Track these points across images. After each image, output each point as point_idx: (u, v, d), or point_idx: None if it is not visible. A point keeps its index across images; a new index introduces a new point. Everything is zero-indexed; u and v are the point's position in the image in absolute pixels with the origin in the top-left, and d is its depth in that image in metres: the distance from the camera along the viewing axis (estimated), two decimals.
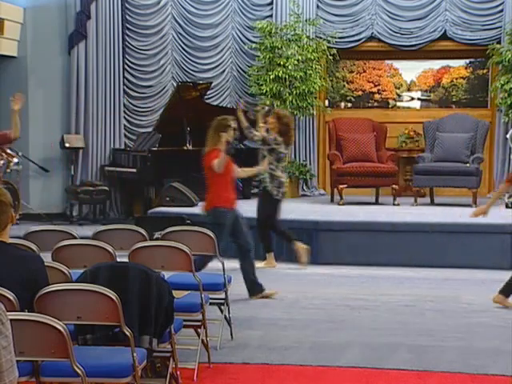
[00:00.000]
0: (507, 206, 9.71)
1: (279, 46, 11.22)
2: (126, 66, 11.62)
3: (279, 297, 7.00)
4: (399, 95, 12.22)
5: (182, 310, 4.58)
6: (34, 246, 4.63)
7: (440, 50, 11.70)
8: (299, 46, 11.25)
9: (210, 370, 4.95)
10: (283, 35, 11.34)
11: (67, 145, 11.08)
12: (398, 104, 12.21)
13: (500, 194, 7.13)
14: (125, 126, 11.65)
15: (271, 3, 11.61)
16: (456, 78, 12.02)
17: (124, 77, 11.58)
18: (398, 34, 11.60)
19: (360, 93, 12.17)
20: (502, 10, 11.24)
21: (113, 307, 3.53)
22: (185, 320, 4.69)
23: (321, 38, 11.47)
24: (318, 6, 11.63)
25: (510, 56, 10.67)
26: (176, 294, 4.41)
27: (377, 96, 12.17)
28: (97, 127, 11.37)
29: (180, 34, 11.72)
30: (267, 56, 11.21)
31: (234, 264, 7.54)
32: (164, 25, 11.70)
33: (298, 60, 11.14)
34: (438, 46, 11.65)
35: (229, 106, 11.65)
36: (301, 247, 8.15)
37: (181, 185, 10.13)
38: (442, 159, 10.38)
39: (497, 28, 11.29)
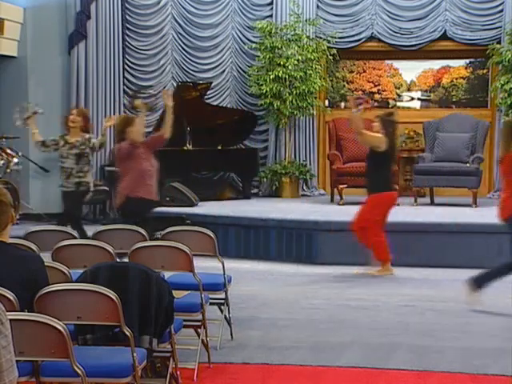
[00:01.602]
0: None
1: (279, 46, 11.23)
2: (126, 66, 11.63)
3: (279, 297, 7.00)
4: (399, 95, 12.22)
5: (182, 309, 4.58)
6: (34, 246, 4.63)
7: (440, 49, 11.70)
8: (299, 46, 11.25)
9: (210, 369, 4.95)
10: (283, 35, 11.34)
11: None
12: (398, 104, 12.21)
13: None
14: None
15: (271, 3, 11.61)
16: (456, 78, 12.03)
17: (124, 77, 11.59)
18: (398, 34, 11.60)
19: (360, 93, 12.16)
20: (502, 10, 11.24)
21: (113, 307, 3.53)
22: (185, 320, 4.69)
23: (321, 37, 11.47)
24: (318, 6, 11.63)
25: (510, 56, 10.67)
26: (176, 294, 4.41)
27: (377, 96, 12.17)
28: (97, 127, 11.37)
29: (180, 34, 11.72)
30: (267, 56, 11.22)
31: (233, 264, 7.56)
32: (164, 25, 11.70)
33: (298, 60, 11.14)
34: (438, 45, 11.65)
35: (229, 105, 11.67)
36: None
37: (181, 185, 10.13)
38: (442, 159, 10.38)
39: (497, 28, 11.28)
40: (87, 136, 8.05)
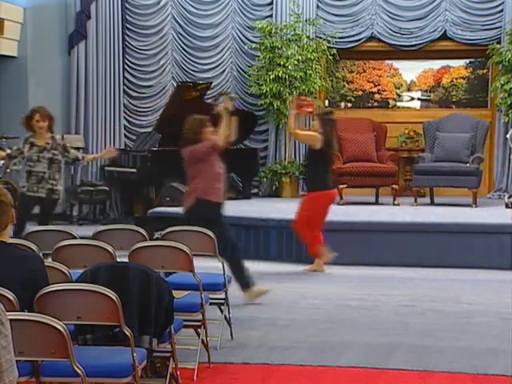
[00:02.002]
0: (507, 206, 9.72)
1: (279, 46, 11.23)
2: (126, 66, 11.63)
3: (279, 297, 7.00)
4: (399, 95, 12.22)
5: (182, 310, 4.58)
6: (34, 246, 4.63)
7: (440, 50, 11.70)
8: (299, 46, 11.25)
9: (210, 369, 4.95)
10: (283, 35, 11.34)
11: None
12: (398, 104, 12.21)
13: None
14: (125, 126, 11.66)
15: (271, 3, 11.62)
16: (456, 78, 12.03)
17: (124, 77, 11.59)
18: (398, 34, 11.60)
19: (360, 93, 12.17)
20: (502, 10, 11.24)
21: (113, 307, 3.53)
22: (185, 320, 4.68)
23: (321, 37, 11.47)
24: (318, 6, 11.63)
25: (510, 56, 10.67)
26: (176, 294, 4.41)
27: (377, 96, 12.17)
28: (97, 127, 11.38)
29: (180, 34, 11.73)
30: (267, 56, 11.22)
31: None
32: (164, 25, 11.70)
33: (298, 60, 11.15)
34: (438, 45, 11.65)
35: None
36: None
37: (181, 185, 10.12)
38: (442, 159, 10.38)
39: (497, 28, 11.28)
40: (58, 137, 7.87)
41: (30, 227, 5.81)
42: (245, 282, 6.62)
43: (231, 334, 5.60)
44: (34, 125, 7.64)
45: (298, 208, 8.14)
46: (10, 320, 2.14)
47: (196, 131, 6.67)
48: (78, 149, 11.19)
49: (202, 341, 4.97)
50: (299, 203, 8.21)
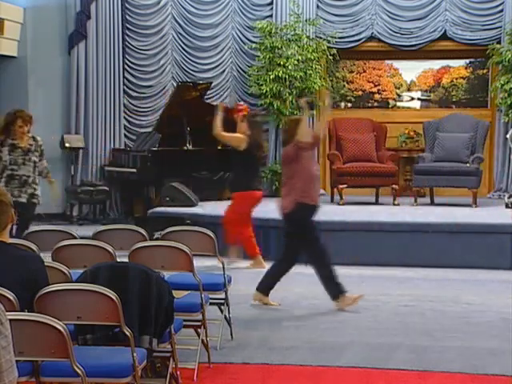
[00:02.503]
0: (507, 206, 9.72)
1: (279, 46, 11.23)
2: (125, 66, 11.63)
3: (279, 297, 6.99)
4: (399, 95, 12.22)
5: (182, 309, 4.58)
6: (34, 246, 4.63)
7: (440, 50, 11.70)
8: (299, 46, 11.25)
9: (210, 369, 4.95)
10: (283, 35, 11.34)
11: (67, 145, 11.08)
12: (398, 104, 12.21)
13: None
14: (125, 125, 11.66)
15: (271, 3, 11.61)
16: (456, 78, 12.02)
17: (124, 77, 11.59)
18: (398, 34, 11.60)
19: (360, 93, 12.17)
20: (502, 10, 11.24)
21: (113, 307, 3.53)
22: (185, 320, 4.69)
23: (321, 37, 11.47)
24: (318, 6, 11.63)
25: (510, 56, 10.67)
26: (176, 294, 4.41)
27: (377, 96, 12.17)
28: (97, 127, 11.38)
29: (180, 34, 11.72)
30: (267, 56, 11.22)
31: (233, 264, 7.56)
32: (164, 25, 11.70)
33: (298, 60, 11.14)
34: (438, 45, 11.64)
35: (229, 106, 11.65)
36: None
37: (181, 185, 10.13)
38: (442, 159, 10.37)
39: (497, 28, 11.28)
40: (39, 138, 7.57)
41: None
42: (335, 290, 6.50)
43: (231, 334, 5.60)
44: (17, 130, 7.33)
45: (227, 207, 8.37)
46: (10, 320, 2.14)
47: (293, 132, 6.63)
48: (78, 149, 11.25)
49: (202, 341, 4.98)
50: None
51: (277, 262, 6.77)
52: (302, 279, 7.90)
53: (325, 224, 8.65)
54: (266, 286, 6.64)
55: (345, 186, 10.28)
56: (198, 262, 5.01)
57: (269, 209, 9.86)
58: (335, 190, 10.55)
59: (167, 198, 9.93)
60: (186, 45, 11.74)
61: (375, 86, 12.16)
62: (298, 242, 6.57)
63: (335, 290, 6.49)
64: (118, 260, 4.67)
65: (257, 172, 8.55)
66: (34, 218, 7.97)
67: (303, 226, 6.47)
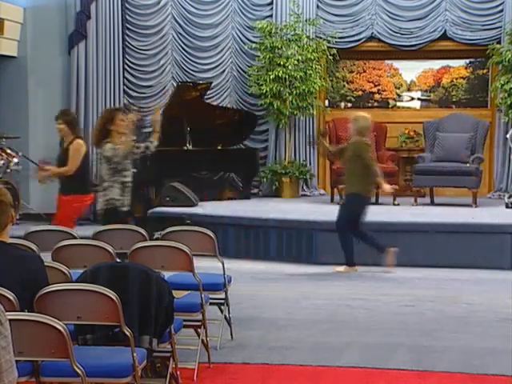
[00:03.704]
0: (507, 206, 9.72)
1: (279, 46, 11.23)
2: (126, 66, 11.62)
3: (279, 297, 7.00)
4: (399, 95, 12.22)
5: (182, 309, 4.58)
6: (34, 246, 4.63)
7: (440, 49, 11.70)
8: (299, 46, 11.25)
9: (210, 369, 4.95)
10: (283, 35, 11.34)
11: None
12: (398, 104, 12.21)
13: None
14: None
15: (271, 3, 11.61)
16: (456, 78, 12.02)
17: (124, 77, 11.58)
18: (398, 34, 11.59)
19: (360, 93, 12.16)
20: (502, 10, 11.24)
21: (113, 307, 3.53)
22: (185, 320, 4.69)
23: (321, 37, 11.47)
24: (318, 6, 11.63)
25: (510, 56, 10.67)
26: (176, 294, 4.41)
27: (377, 96, 12.17)
28: None
29: (180, 34, 11.72)
30: (267, 56, 11.21)
31: (233, 264, 7.56)
32: (164, 25, 11.70)
33: (298, 60, 11.14)
34: (438, 45, 11.64)
35: (229, 105, 11.66)
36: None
37: (181, 185, 10.13)
38: (442, 159, 10.37)
39: (497, 28, 11.28)
40: None
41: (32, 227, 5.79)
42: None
43: (231, 334, 5.60)
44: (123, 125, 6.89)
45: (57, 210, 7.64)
46: (10, 320, 2.14)
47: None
48: None
49: (202, 341, 4.98)
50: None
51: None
52: (302, 279, 7.91)
53: (325, 224, 8.67)
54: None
55: (345, 186, 10.26)
56: (197, 262, 5.01)
57: (268, 209, 9.89)
58: (335, 189, 10.55)
59: (167, 198, 9.93)
60: (186, 45, 11.74)
61: (375, 85, 12.16)
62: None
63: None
64: (118, 260, 4.67)
65: (77, 173, 7.44)
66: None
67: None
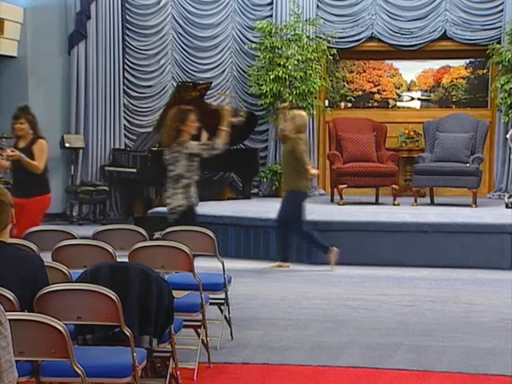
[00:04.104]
0: (507, 206, 9.72)
1: (279, 46, 11.23)
2: (125, 66, 11.63)
3: (279, 297, 7.00)
4: (399, 95, 12.22)
5: (182, 310, 4.58)
6: (33, 246, 4.63)
7: (440, 49, 11.71)
8: (299, 46, 11.25)
9: (209, 370, 4.95)
10: (283, 35, 11.34)
11: (67, 145, 11.08)
12: (398, 104, 12.21)
13: None
14: (125, 126, 11.66)
15: (271, 3, 11.62)
16: (456, 78, 12.03)
17: (124, 77, 11.59)
18: (398, 34, 11.60)
19: (360, 93, 12.17)
20: (502, 10, 11.25)
21: (113, 307, 3.53)
22: (185, 320, 4.69)
23: (321, 37, 11.47)
24: (318, 6, 11.64)
25: (510, 56, 10.67)
26: (176, 293, 4.41)
27: (377, 96, 12.17)
28: (97, 127, 11.38)
29: (180, 34, 11.72)
30: (267, 56, 11.22)
31: (233, 264, 7.56)
32: (164, 25, 11.70)
33: (298, 60, 11.14)
34: (438, 45, 11.65)
35: (229, 105, 11.65)
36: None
37: None
38: (442, 159, 10.37)
39: (497, 28, 11.29)
40: None
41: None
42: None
43: (231, 334, 5.60)
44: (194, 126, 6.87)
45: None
46: (10, 320, 2.14)
47: None
48: (78, 149, 11.25)
49: (202, 341, 4.97)
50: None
51: None
52: (302, 279, 7.91)
53: (325, 224, 8.68)
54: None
55: (345, 186, 10.28)
56: (198, 262, 5.01)
57: (268, 209, 9.88)
58: (335, 190, 10.55)
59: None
60: (186, 45, 11.74)
61: (375, 86, 12.16)
62: None
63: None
64: (118, 260, 4.66)
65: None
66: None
67: None
